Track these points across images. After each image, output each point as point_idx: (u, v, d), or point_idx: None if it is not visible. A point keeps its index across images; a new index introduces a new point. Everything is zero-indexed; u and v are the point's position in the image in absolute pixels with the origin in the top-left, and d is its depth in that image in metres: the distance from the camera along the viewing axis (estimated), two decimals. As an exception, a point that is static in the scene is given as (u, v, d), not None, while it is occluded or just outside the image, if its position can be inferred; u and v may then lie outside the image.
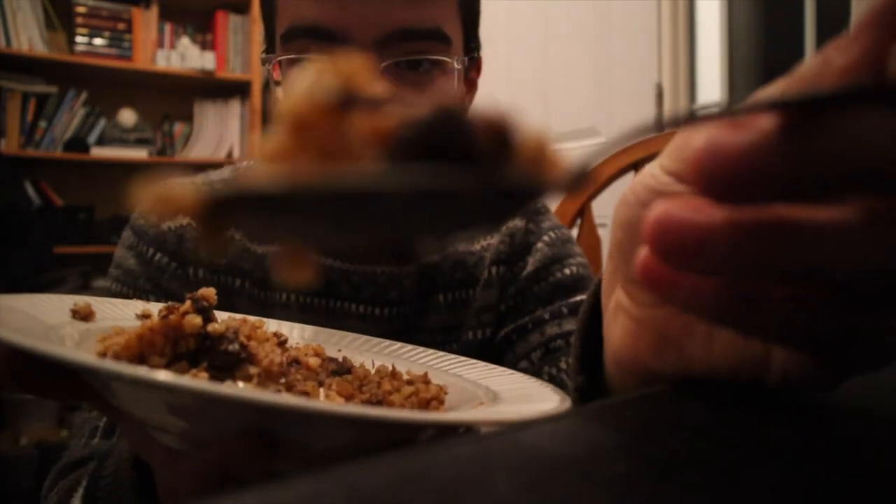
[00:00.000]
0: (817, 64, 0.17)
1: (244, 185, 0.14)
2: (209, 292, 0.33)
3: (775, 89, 0.19)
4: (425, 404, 0.34)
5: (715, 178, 0.16)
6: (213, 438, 0.26)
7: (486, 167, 0.15)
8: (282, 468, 0.27)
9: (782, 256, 0.17)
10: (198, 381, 0.25)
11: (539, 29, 2.33)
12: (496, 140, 0.15)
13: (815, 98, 0.16)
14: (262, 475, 0.26)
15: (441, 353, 0.43)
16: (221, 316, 0.34)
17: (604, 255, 0.93)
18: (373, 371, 0.38)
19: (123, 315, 0.37)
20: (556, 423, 0.19)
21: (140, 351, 0.30)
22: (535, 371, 0.62)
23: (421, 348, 0.44)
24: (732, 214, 0.16)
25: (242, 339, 0.32)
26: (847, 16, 1.57)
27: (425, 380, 0.37)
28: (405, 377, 0.37)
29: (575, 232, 0.93)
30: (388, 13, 0.50)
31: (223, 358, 0.30)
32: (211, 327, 0.31)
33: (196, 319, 0.30)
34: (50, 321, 0.31)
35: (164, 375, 0.24)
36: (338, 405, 0.27)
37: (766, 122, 0.16)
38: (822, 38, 1.71)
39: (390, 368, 0.38)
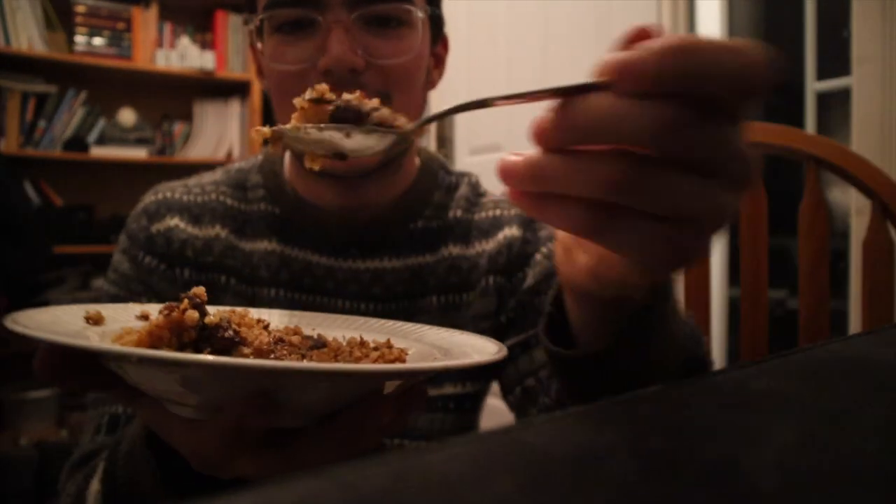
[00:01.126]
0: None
1: None
2: (200, 290, 0.38)
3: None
4: (390, 364, 0.40)
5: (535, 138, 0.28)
6: (222, 406, 0.31)
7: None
8: (283, 423, 0.33)
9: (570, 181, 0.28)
10: (211, 357, 0.30)
11: (539, 29, 2.33)
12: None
13: (572, 88, 0.27)
14: (269, 427, 0.32)
15: (401, 322, 0.49)
16: (211, 309, 0.39)
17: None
18: (344, 343, 0.43)
19: (125, 318, 0.42)
20: (556, 423, 0.19)
21: (150, 345, 0.34)
22: (545, 388, 0.61)
23: (384, 320, 0.50)
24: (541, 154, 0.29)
25: (234, 326, 0.37)
26: (847, 16, 1.57)
27: (389, 345, 0.42)
28: (372, 345, 0.42)
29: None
30: None
31: (221, 343, 0.36)
32: (208, 319, 0.36)
33: (194, 314, 0.35)
34: (72, 328, 0.37)
35: (188, 356, 0.30)
36: (316, 364, 0.33)
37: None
38: (823, 38, 1.71)
39: (359, 339, 0.43)
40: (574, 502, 0.15)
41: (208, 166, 0.77)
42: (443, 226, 0.69)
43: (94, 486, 0.48)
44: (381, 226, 0.66)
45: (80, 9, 2.50)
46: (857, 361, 0.29)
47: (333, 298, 0.65)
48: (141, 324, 0.39)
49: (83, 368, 0.34)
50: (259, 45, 0.62)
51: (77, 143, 2.47)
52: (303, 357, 0.38)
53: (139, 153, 2.59)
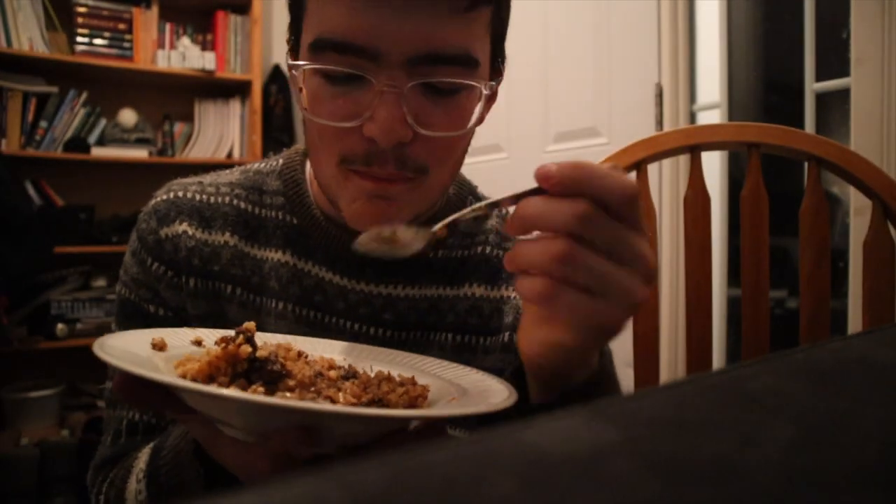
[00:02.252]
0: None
1: None
2: (251, 325, 0.43)
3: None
4: (414, 400, 0.44)
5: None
6: (268, 431, 0.37)
7: None
8: (322, 451, 0.38)
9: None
10: (267, 397, 0.37)
11: (539, 29, 2.33)
12: None
13: (521, 194, 0.39)
14: (309, 454, 0.37)
15: (424, 357, 0.54)
16: (261, 336, 0.47)
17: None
18: (372, 375, 0.47)
19: (182, 342, 0.48)
20: (556, 423, 0.19)
21: (210, 373, 0.41)
22: None
23: (410, 354, 0.54)
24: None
25: (281, 360, 0.43)
26: (846, 16, 1.57)
27: (413, 382, 0.47)
28: (398, 379, 0.47)
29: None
30: (420, 34, 0.48)
31: (270, 375, 0.41)
32: (259, 353, 0.42)
33: (248, 348, 0.41)
34: (142, 353, 0.43)
35: (247, 395, 0.36)
36: (348, 407, 0.38)
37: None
38: (822, 38, 1.71)
39: (386, 373, 0.48)
40: (574, 502, 0.15)
41: (209, 167, 0.76)
42: (467, 258, 0.66)
43: (132, 485, 0.54)
44: None
45: (81, 9, 2.51)
46: (857, 361, 0.29)
47: (342, 319, 0.63)
48: (195, 349, 0.47)
49: (152, 391, 0.39)
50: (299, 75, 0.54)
51: (78, 143, 2.47)
52: (338, 390, 0.42)
53: (140, 153, 2.59)
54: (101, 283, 2.51)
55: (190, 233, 0.64)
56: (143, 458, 0.55)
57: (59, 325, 2.36)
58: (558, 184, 0.37)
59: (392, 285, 0.64)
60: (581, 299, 0.38)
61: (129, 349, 0.42)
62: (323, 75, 0.51)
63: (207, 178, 0.68)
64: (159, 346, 0.45)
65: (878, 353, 0.31)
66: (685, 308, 0.92)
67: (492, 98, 0.62)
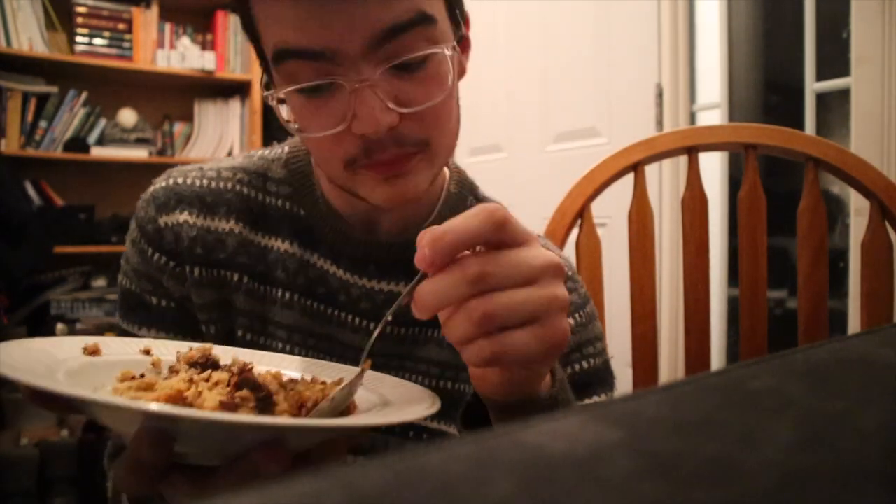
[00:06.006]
0: None
1: None
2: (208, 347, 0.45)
3: None
4: (304, 400, 0.42)
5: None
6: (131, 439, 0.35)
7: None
8: (183, 455, 0.36)
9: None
10: (97, 394, 0.36)
11: (539, 29, 2.33)
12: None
13: (414, 284, 0.41)
14: (167, 458, 0.35)
15: (382, 375, 0.51)
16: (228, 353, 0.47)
17: (603, 256, 0.93)
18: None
19: (128, 350, 0.46)
20: (556, 423, 0.19)
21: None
22: None
23: (373, 373, 0.50)
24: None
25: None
26: (847, 16, 1.57)
27: (319, 383, 0.45)
28: (317, 386, 0.45)
29: (575, 232, 0.93)
30: (369, 20, 0.48)
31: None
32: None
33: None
34: (60, 356, 0.41)
35: (81, 392, 0.32)
36: (191, 410, 0.36)
37: None
38: (822, 38, 1.71)
39: (309, 379, 0.47)
40: (574, 502, 0.15)
41: (209, 167, 0.75)
42: None
43: None
44: (402, 249, 0.64)
45: (81, 9, 2.50)
46: (857, 361, 0.29)
47: (344, 312, 0.63)
48: (143, 358, 0.46)
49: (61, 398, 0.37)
50: (279, 94, 0.55)
51: (78, 143, 2.47)
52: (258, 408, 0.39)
53: (140, 153, 2.59)
54: (100, 283, 2.51)
55: (191, 222, 0.63)
56: None
57: (59, 326, 2.36)
58: (437, 263, 0.38)
59: (394, 282, 0.64)
60: (519, 336, 0.39)
61: (48, 350, 0.41)
62: (298, 91, 0.51)
63: (208, 164, 0.68)
64: (91, 351, 0.44)
65: (878, 353, 0.31)
66: (684, 308, 0.92)
67: (466, 47, 0.63)
